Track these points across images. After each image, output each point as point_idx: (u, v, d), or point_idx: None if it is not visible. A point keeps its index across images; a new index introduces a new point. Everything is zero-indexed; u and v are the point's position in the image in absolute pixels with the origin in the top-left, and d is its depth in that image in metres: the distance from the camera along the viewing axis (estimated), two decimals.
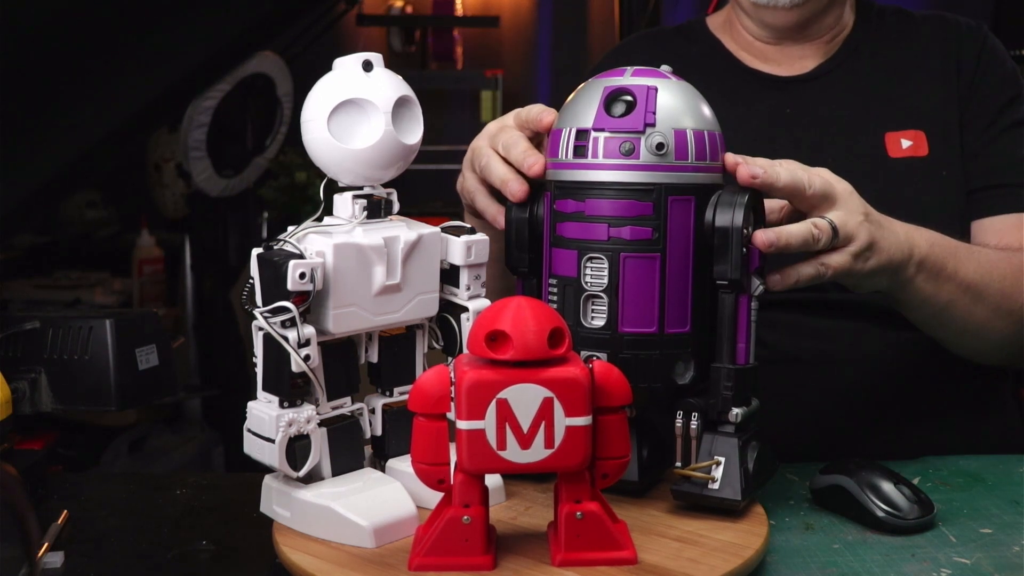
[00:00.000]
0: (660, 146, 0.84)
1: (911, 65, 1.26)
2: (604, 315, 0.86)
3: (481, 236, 0.90)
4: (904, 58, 1.27)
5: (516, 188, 0.92)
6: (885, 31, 1.29)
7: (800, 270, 0.93)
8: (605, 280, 0.86)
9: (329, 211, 0.87)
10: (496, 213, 0.97)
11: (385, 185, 0.87)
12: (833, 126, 1.24)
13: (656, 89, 0.86)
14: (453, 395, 0.75)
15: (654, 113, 0.85)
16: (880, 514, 0.89)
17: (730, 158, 0.89)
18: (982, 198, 1.21)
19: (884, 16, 1.30)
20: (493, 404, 0.73)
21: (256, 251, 0.82)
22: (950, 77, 1.24)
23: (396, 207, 0.88)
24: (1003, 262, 1.13)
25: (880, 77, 1.26)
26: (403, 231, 0.86)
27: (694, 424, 0.87)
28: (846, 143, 1.22)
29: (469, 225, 0.92)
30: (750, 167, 0.88)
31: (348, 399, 0.88)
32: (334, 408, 0.87)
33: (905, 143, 1.21)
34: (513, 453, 0.74)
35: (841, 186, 0.94)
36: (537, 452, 0.74)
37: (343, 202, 0.86)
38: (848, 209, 0.93)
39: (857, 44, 1.28)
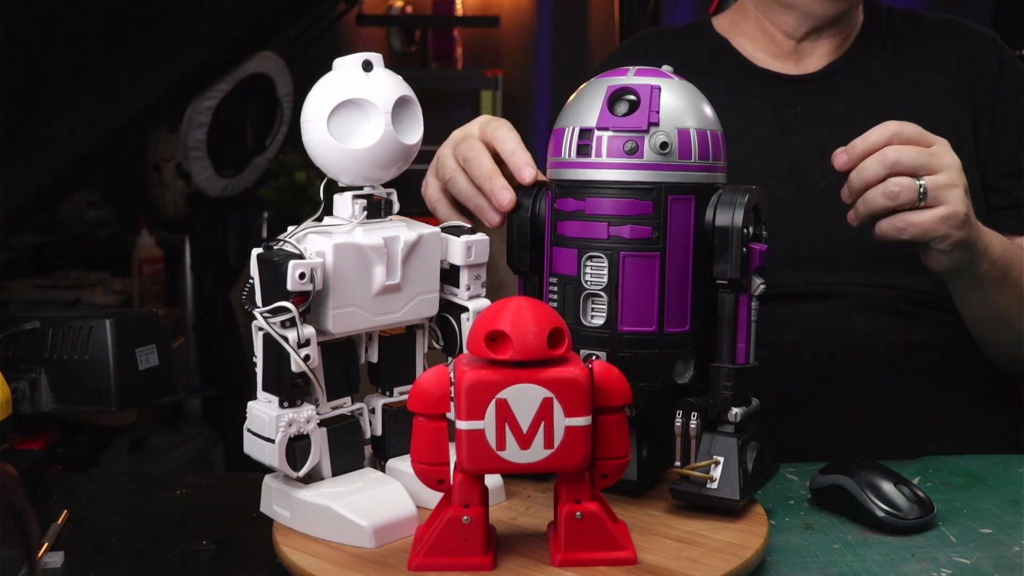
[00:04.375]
0: (664, 145, 0.85)
1: (922, 71, 1.26)
2: (604, 314, 0.86)
3: (481, 236, 0.90)
4: (915, 63, 1.26)
5: (491, 217, 0.93)
6: (895, 32, 1.28)
7: (879, 226, 0.99)
8: (605, 279, 0.86)
9: (329, 211, 0.87)
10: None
11: (385, 185, 0.87)
12: (846, 125, 1.23)
13: (659, 88, 0.86)
14: (453, 395, 0.75)
15: (658, 112, 0.85)
16: (880, 514, 0.89)
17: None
18: (1019, 216, 1.22)
19: (894, 17, 1.30)
20: (493, 404, 0.73)
21: (256, 251, 0.82)
22: (965, 88, 1.24)
23: (396, 207, 0.88)
24: None
25: (892, 80, 1.25)
26: (403, 231, 0.86)
27: (693, 423, 0.87)
28: None
29: (469, 225, 0.92)
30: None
31: (348, 399, 0.88)
32: (334, 408, 0.87)
33: None
34: (513, 453, 0.74)
35: (948, 155, 0.98)
36: (537, 452, 0.74)
37: (343, 202, 0.86)
38: (949, 177, 0.97)
39: (867, 44, 1.28)
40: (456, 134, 0.99)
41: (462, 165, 0.96)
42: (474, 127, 0.98)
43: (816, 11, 1.24)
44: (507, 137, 0.94)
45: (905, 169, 0.96)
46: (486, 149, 0.95)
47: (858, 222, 1.01)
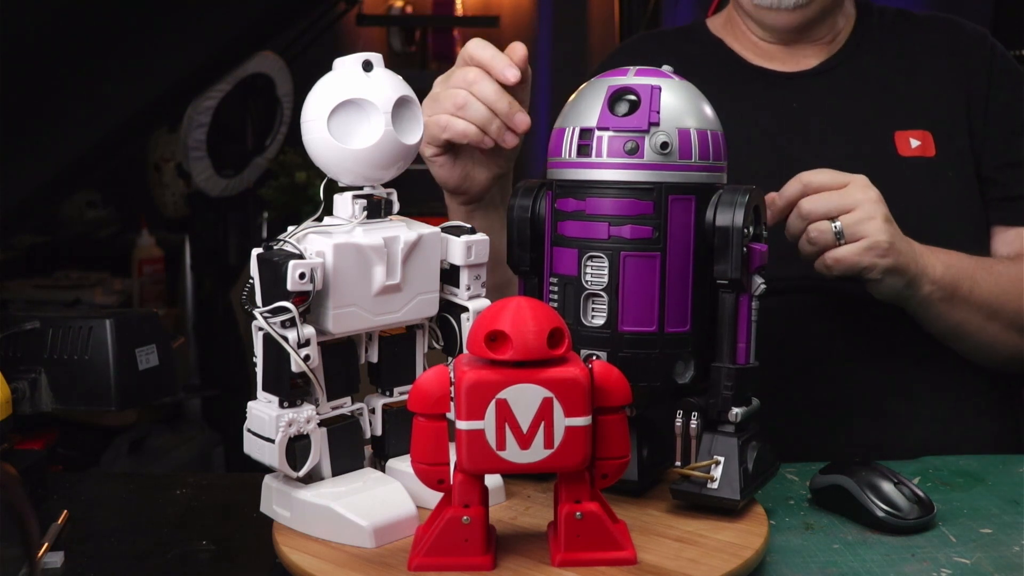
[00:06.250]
0: (664, 145, 0.85)
1: (915, 65, 1.26)
2: (604, 314, 0.86)
3: (481, 236, 0.90)
4: (908, 58, 1.27)
5: (510, 138, 0.96)
6: (886, 31, 1.29)
7: (815, 266, 1.04)
8: (605, 279, 0.86)
9: (329, 211, 0.87)
10: (466, 128, 0.98)
11: (385, 185, 0.87)
12: (840, 121, 1.24)
13: (660, 88, 0.86)
14: (453, 395, 0.75)
15: (658, 112, 0.85)
16: (880, 514, 0.89)
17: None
18: (1013, 207, 1.23)
19: (884, 17, 1.30)
20: (493, 404, 0.73)
21: (256, 251, 0.82)
22: (958, 81, 1.24)
23: (396, 207, 0.88)
24: (1020, 278, 1.15)
25: (885, 75, 1.26)
26: (403, 231, 0.86)
27: (694, 423, 0.87)
28: (854, 139, 1.23)
29: (469, 225, 0.92)
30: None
31: (348, 399, 0.88)
32: (334, 408, 0.87)
33: (914, 143, 1.22)
34: (513, 453, 0.74)
35: (861, 192, 1.03)
36: (537, 452, 0.74)
37: (343, 202, 0.86)
38: (865, 211, 1.01)
39: (859, 42, 1.28)
40: (439, 78, 1.02)
41: (468, 89, 0.97)
42: (459, 61, 1.01)
43: (770, 21, 1.24)
44: (483, 53, 0.97)
45: (819, 216, 1.02)
46: (482, 72, 0.97)
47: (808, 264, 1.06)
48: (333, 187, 0.87)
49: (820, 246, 1.02)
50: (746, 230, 0.85)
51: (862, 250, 1.02)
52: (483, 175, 1.06)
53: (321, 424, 0.84)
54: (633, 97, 0.86)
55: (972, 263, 1.13)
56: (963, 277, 1.11)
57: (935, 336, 1.16)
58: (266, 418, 0.82)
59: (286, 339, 0.80)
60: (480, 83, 0.97)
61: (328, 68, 0.86)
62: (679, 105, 0.86)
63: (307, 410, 0.83)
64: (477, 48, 0.98)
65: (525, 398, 0.73)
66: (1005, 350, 1.16)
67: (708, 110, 0.89)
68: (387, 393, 0.91)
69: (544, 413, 0.74)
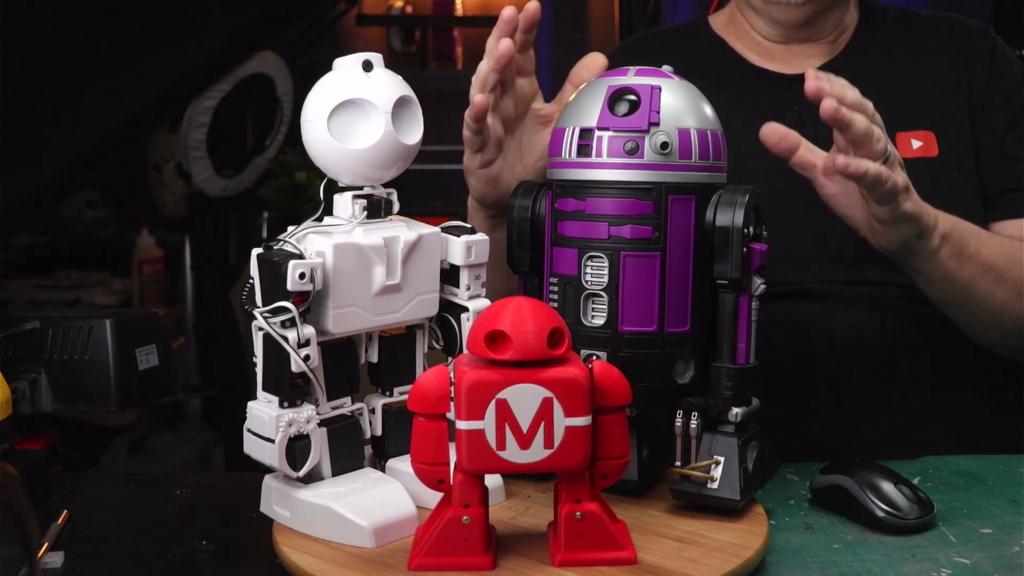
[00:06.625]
0: (664, 145, 0.85)
1: (918, 65, 1.26)
2: (604, 314, 0.86)
3: (481, 236, 0.91)
4: (911, 58, 1.27)
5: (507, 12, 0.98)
6: (890, 31, 1.29)
7: (868, 163, 0.97)
8: (605, 279, 0.86)
9: (329, 211, 0.88)
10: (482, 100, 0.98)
11: (385, 185, 0.87)
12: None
13: (660, 88, 0.86)
14: (453, 395, 0.75)
15: (658, 112, 0.85)
16: (880, 514, 0.89)
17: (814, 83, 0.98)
18: (1010, 200, 1.22)
19: (887, 16, 1.30)
20: (493, 404, 0.73)
21: (256, 251, 0.82)
22: (960, 80, 1.24)
23: (396, 207, 0.88)
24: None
25: (888, 77, 1.25)
26: (403, 231, 0.86)
27: (694, 423, 0.87)
28: None
29: (469, 225, 0.92)
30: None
31: (348, 399, 0.88)
32: (334, 408, 0.87)
33: (916, 143, 1.21)
34: (513, 453, 0.74)
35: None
36: (536, 452, 0.74)
37: (343, 202, 0.86)
38: (899, 159, 1.00)
39: (862, 43, 1.28)
40: None
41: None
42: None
43: (778, 16, 1.24)
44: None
45: (883, 135, 0.99)
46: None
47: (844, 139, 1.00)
48: (333, 187, 0.87)
49: (874, 145, 0.98)
50: (746, 230, 0.86)
51: (905, 183, 0.99)
52: None
53: (321, 424, 0.84)
54: (633, 97, 0.86)
55: (977, 228, 1.12)
56: (970, 237, 1.09)
57: (942, 304, 1.14)
58: (266, 418, 0.82)
59: (286, 339, 0.80)
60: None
61: (328, 68, 0.86)
62: (679, 105, 0.86)
63: (307, 410, 0.83)
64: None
65: (525, 398, 0.73)
66: (1012, 318, 1.14)
67: (708, 110, 0.89)
68: (387, 393, 0.91)
69: (544, 413, 0.74)
